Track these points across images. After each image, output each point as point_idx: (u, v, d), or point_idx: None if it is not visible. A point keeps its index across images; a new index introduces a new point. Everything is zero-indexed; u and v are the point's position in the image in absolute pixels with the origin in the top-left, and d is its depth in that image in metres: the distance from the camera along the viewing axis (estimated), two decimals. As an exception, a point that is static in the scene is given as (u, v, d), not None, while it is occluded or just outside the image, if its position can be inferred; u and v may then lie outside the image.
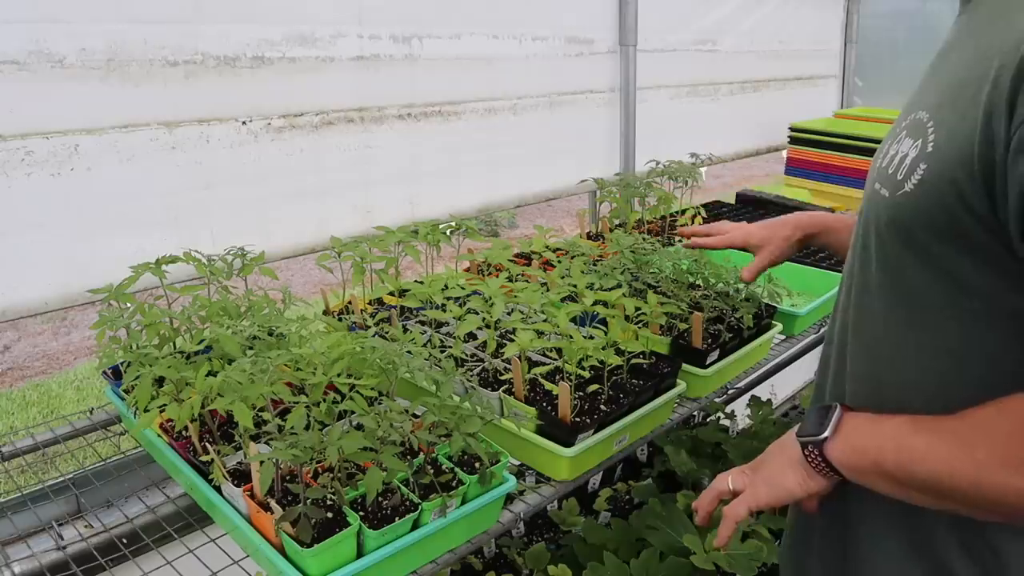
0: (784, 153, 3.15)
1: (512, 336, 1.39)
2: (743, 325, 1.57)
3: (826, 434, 0.86)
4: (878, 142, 3.10)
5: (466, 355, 1.45)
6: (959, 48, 0.83)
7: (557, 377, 1.32)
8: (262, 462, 0.98)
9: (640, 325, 1.47)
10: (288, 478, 1.06)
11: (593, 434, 1.25)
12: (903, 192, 0.79)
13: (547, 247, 1.90)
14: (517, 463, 1.31)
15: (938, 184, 0.74)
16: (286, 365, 1.15)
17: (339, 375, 1.15)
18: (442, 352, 1.32)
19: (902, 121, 0.86)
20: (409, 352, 1.20)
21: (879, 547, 0.93)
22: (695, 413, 2.58)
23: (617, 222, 2.28)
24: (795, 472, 0.91)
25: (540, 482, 1.29)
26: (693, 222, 2.31)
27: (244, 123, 1.74)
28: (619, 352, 1.35)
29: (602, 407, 1.28)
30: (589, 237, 2.20)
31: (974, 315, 0.76)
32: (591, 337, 1.32)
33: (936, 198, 0.75)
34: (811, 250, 2.21)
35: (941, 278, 0.78)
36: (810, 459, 0.88)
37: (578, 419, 1.24)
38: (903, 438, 0.80)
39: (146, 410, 1.15)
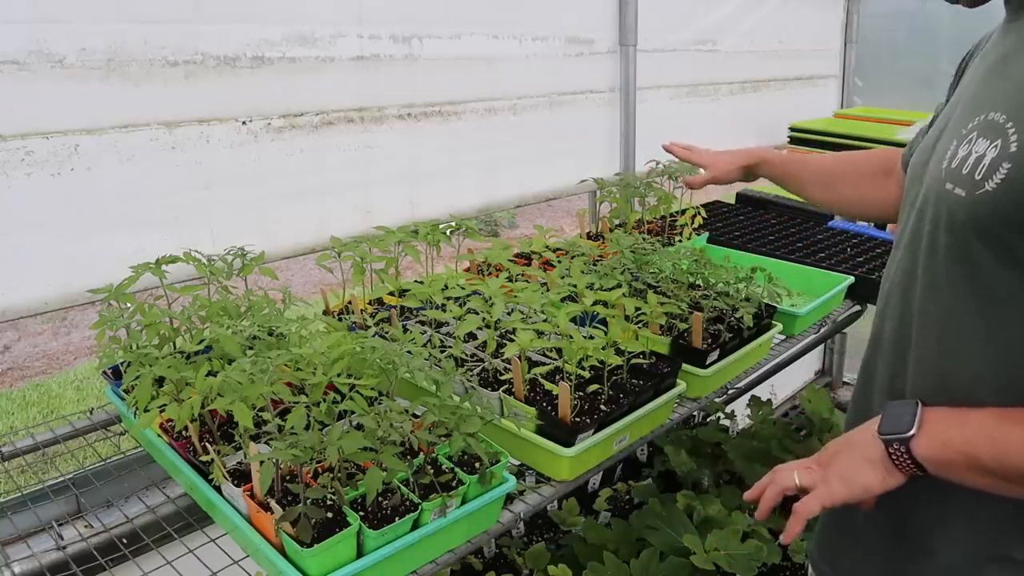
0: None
1: (512, 336, 1.38)
2: (743, 325, 1.57)
3: (912, 431, 0.86)
4: (878, 142, 3.10)
5: (466, 355, 1.45)
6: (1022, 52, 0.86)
7: (557, 377, 1.32)
8: (262, 462, 0.98)
9: (640, 325, 1.47)
10: (288, 478, 1.06)
11: (593, 434, 1.25)
12: (984, 191, 0.82)
13: (547, 247, 1.90)
14: (517, 463, 1.31)
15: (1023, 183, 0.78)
16: (286, 365, 1.15)
17: (339, 375, 1.15)
18: (442, 352, 1.32)
19: (968, 123, 0.88)
20: (409, 352, 1.20)
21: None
22: (695, 413, 2.58)
23: (617, 222, 2.28)
24: (874, 469, 0.91)
25: (540, 482, 1.29)
26: (693, 222, 2.31)
27: (244, 123, 1.74)
28: (619, 352, 1.35)
29: (602, 407, 1.28)
30: (589, 237, 2.19)
31: None
32: (591, 337, 1.32)
33: (1021, 196, 0.78)
34: (812, 250, 2.21)
35: (1020, 273, 0.81)
36: (895, 456, 0.88)
37: (578, 419, 1.24)
38: (994, 429, 0.82)
39: (146, 410, 1.15)
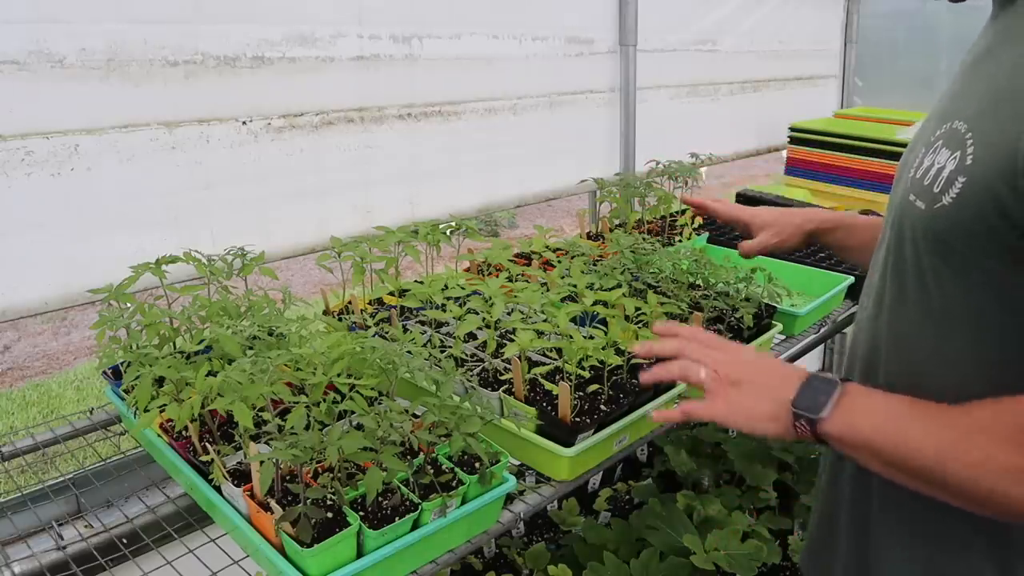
0: (784, 153, 3.15)
1: (512, 336, 1.38)
2: (743, 325, 1.57)
3: (823, 414, 0.84)
4: (878, 142, 3.10)
5: (466, 355, 1.45)
6: (998, 55, 0.81)
7: (557, 377, 1.32)
8: (262, 462, 0.98)
9: (640, 325, 1.47)
10: (288, 478, 1.06)
11: (593, 434, 1.25)
12: (941, 205, 0.79)
13: (547, 247, 1.90)
14: (517, 463, 1.31)
15: (978, 198, 0.74)
16: (286, 365, 1.15)
17: (339, 375, 1.15)
18: (442, 352, 1.32)
19: (936, 129, 0.85)
20: (409, 352, 1.20)
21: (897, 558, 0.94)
22: (695, 413, 2.57)
23: (617, 222, 2.28)
24: (776, 426, 0.89)
25: (540, 482, 1.28)
26: (693, 222, 2.31)
27: (244, 123, 1.74)
28: (619, 352, 1.35)
29: (602, 407, 1.28)
30: (589, 237, 2.19)
31: (1014, 326, 0.77)
32: (591, 337, 1.32)
33: (976, 212, 0.75)
34: (812, 250, 2.21)
35: (979, 290, 0.78)
36: (798, 428, 0.87)
37: (578, 419, 1.24)
38: (901, 423, 0.80)
39: (146, 410, 1.15)
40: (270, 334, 1.33)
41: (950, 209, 0.78)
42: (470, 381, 1.33)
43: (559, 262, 1.72)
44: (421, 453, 1.14)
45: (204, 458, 1.13)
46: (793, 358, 1.81)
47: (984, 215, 0.74)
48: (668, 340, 1.02)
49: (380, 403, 1.15)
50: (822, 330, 1.92)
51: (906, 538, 0.94)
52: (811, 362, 4.16)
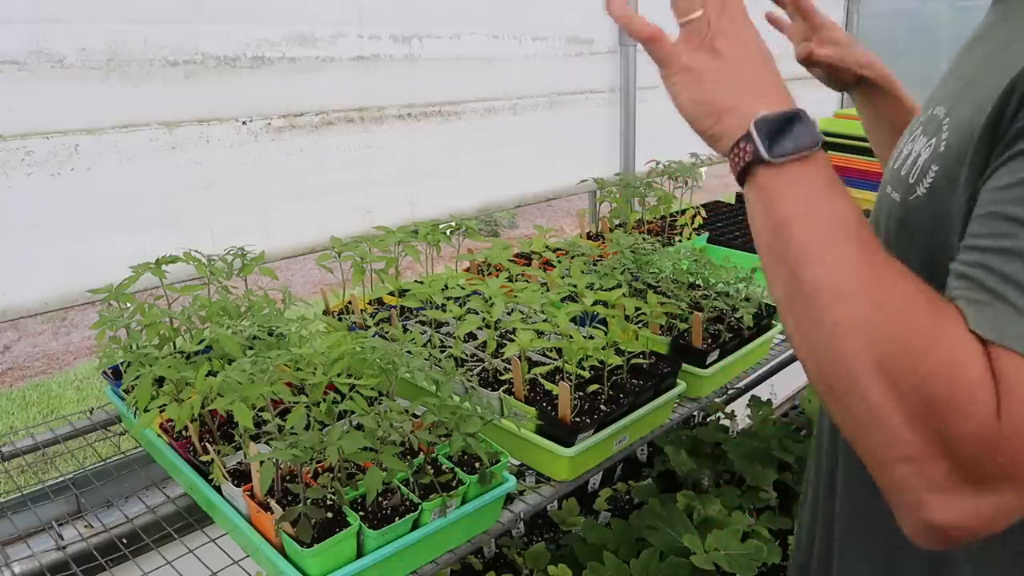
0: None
1: (512, 336, 1.38)
2: (743, 325, 1.57)
3: (771, 157, 0.64)
4: (878, 142, 3.04)
5: (466, 355, 1.45)
6: (988, 36, 0.74)
7: (557, 377, 1.32)
8: (262, 462, 0.98)
9: (640, 325, 1.47)
10: (288, 478, 1.06)
11: (593, 434, 1.25)
12: (915, 196, 0.72)
13: (547, 247, 1.90)
14: (517, 463, 1.31)
15: (947, 187, 0.67)
16: (286, 365, 1.15)
17: (339, 375, 1.15)
18: (442, 352, 1.32)
19: (920, 117, 0.79)
20: (409, 352, 1.20)
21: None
22: (695, 413, 2.58)
23: (617, 222, 2.28)
24: (717, 126, 0.71)
25: (540, 482, 1.29)
26: (693, 221, 2.31)
27: (244, 123, 1.74)
28: (619, 352, 1.35)
29: (602, 407, 1.28)
30: (589, 237, 2.19)
31: None
32: (591, 337, 1.32)
33: (946, 203, 0.67)
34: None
35: (940, 291, 0.68)
36: (736, 151, 0.67)
37: (578, 419, 1.24)
38: (826, 231, 0.63)
39: (146, 410, 1.15)
40: (270, 334, 1.33)
41: (923, 201, 0.71)
42: (470, 381, 1.33)
43: (559, 262, 1.72)
44: (421, 453, 1.14)
45: (204, 458, 1.13)
46: (793, 358, 1.81)
47: (954, 207, 0.66)
48: None
49: (380, 403, 1.15)
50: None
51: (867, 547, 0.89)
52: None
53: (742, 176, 0.67)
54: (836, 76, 1.33)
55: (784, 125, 0.66)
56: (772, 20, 1.38)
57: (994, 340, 0.55)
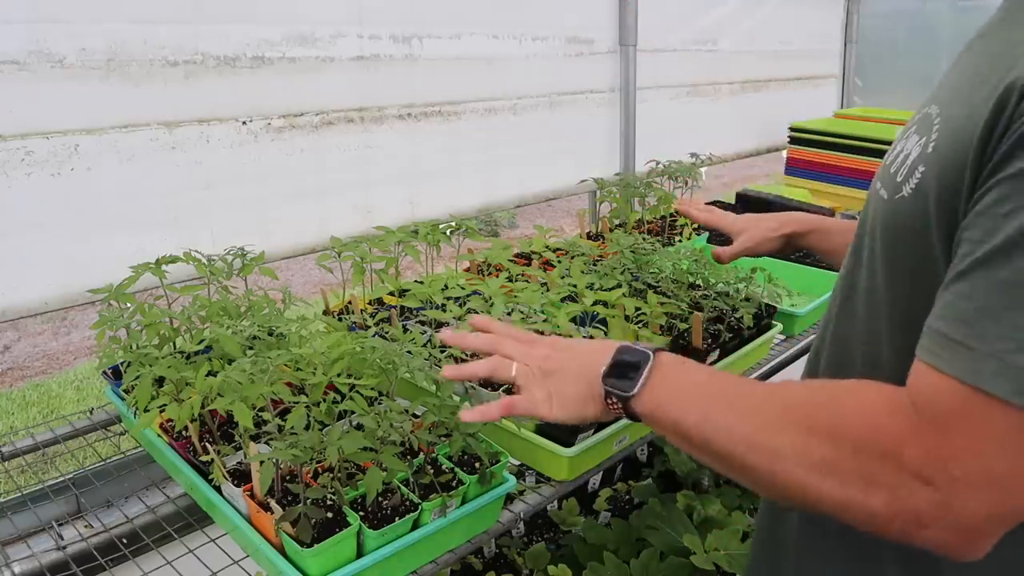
0: (784, 153, 3.15)
1: (512, 336, 1.38)
2: (743, 325, 1.57)
3: (633, 392, 0.79)
4: (878, 142, 3.09)
5: (466, 355, 1.45)
6: (989, 36, 0.75)
7: (557, 377, 1.32)
8: (262, 462, 0.98)
9: (640, 325, 1.47)
10: (288, 478, 1.06)
11: (593, 434, 1.25)
12: (900, 196, 0.73)
13: (547, 247, 1.90)
14: (517, 463, 1.31)
15: (933, 190, 0.68)
16: (286, 365, 1.15)
17: (339, 375, 1.15)
18: (442, 352, 1.32)
19: (916, 114, 0.79)
20: (409, 352, 1.20)
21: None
22: (695, 413, 2.57)
23: (617, 222, 2.28)
24: (594, 406, 0.84)
25: (540, 482, 1.29)
26: (693, 222, 2.30)
27: (244, 123, 1.74)
28: (619, 352, 1.35)
29: (602, 407, 1.28)
30: (589, 237, 2.19)
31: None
32: (591, 337, 1.32)
33: (930, 204, 0.69)
34: (805, 254, 2.21)
35: (925, 290, 0.71)
36: (612, 406, 0.82)
37: (578, 419, 1.24)
38: (709, 404, 0.75)
39: (146, 410, 1.15)
40: (270, 334, 1.33)
41: (908, 200, 0.72)
42: (470, 381, 1.33)
43: (559, 262, 1.72)
44: (421, 453, 1.14)
45: (204, 458, 1.13)
46: (793, 358, 1.81)
47: (938, 209, 0.68)
48: (481, 336, 0.96)
49: (380, 403, 1.15)
50: (822, 330, 1.92)
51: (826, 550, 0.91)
52: (811, 362, 4.15)
53: (632, 418, 0.81)
54: (762, 251, 1.45)
55: (620, 363, 0.82)
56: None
57: (949, 373, 0.61)
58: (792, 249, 1.44)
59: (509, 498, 1.23)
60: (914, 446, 0.62)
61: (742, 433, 0.71)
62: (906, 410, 0.63)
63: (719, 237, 2.31)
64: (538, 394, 0.87)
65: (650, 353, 0.81)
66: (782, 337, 1.81)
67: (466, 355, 1.45)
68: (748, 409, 0.72)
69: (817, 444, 0.66)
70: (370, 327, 1.49)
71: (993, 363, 0.58)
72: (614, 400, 0.81)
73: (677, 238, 2.23)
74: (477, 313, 1.37)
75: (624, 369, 0.81)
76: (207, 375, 1.14)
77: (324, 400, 1.16)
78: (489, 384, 1.12)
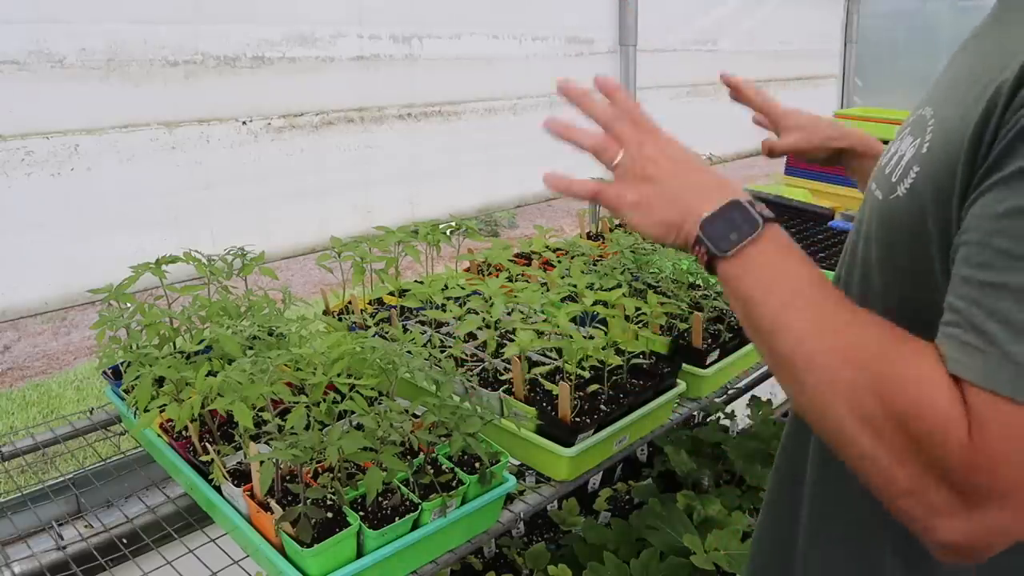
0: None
1: (512, 336, 1.38)
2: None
3: (726, 252, 0.74)
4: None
5: (466, 355, 1.45)
6: (983, 36, 0.75)
7: (557, 377, 1.32)
8: (262, 462, 0.98)
9: (640, 325, 1.47)
10: (288, 478, 1.06)
11: (593, 434, 1.25)
12: (895, 196, 0.74)
13: (547, 247, 1.90)
14: (517, 463, 1.31)
15: (925, 191, 0.69)
16: (286, 365, 1.15)
17: (339, 375, 1.15)
18: (442, 352, 1.32)
19: (911, 116, 0.80)
20: (409, 352, 1.20)
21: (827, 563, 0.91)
22: (695, 413, 2.58)
23: (617, 222, 2.28)
24: (679, 238, 0.79)
25: (540, 482, 1.29)
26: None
27: (244, 123, 1.74)
28: (619, 352, 1.35)
29: (602, 407, 1.28)
30: (589, 237, 2.19)
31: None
32: (591, 337, 1.32)
33: (924, 205, 0.69)
34: (811, 240, 2.21)
35: (919, 290, 0.72)
36: (696, 252, 0.77)
37: (578, 419, 1.24)
38: (792, 302, 0.70)
39: (146, 410, 1.15)
40: (270, 334, 1.33)
41: (902, 201, 0.72)
42: (470, 381, 1.33)
43: (559, 262, 1.72)
44: (421, 453, 1.14)
45: (204, 458, 1.13)
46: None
47: (929, 210, 0.68)
48: (601, 105, 0.90)
49: (380, 403, 1.15)
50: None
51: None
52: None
53: (710, 270, 0.76)
54: (810, 157, 1.34)
55: (727, 218, 0.75)
56: (755, 120, 1.43)
57: (973, 381, 0.60)
58: (838, 163, 1.35)
59: (509, 498, 1.23)
60: (957, 448, 0.60)
61: (808, 349, 0.68)
62: (961, 407, 0.61)
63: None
64: (630, 194, 0.81)
65: (760, 221, 0.74)
66: (782, 337, 1.80)
67: (466, 355, 1.45)
68: (825, 327, 0.68)
69: (870, 396, 0.64)
70: (370, 327, 1.49)
71: (1010, 367, 0.58)
72: (702, 248, 0.75)
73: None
74: (477, 313, 1.37)
75: (729, 225, 0.74)
76: (207, 375, 1.14)
77: (324, 400, 1.16)
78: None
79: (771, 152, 1.36)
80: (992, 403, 0.59)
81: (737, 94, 1.41)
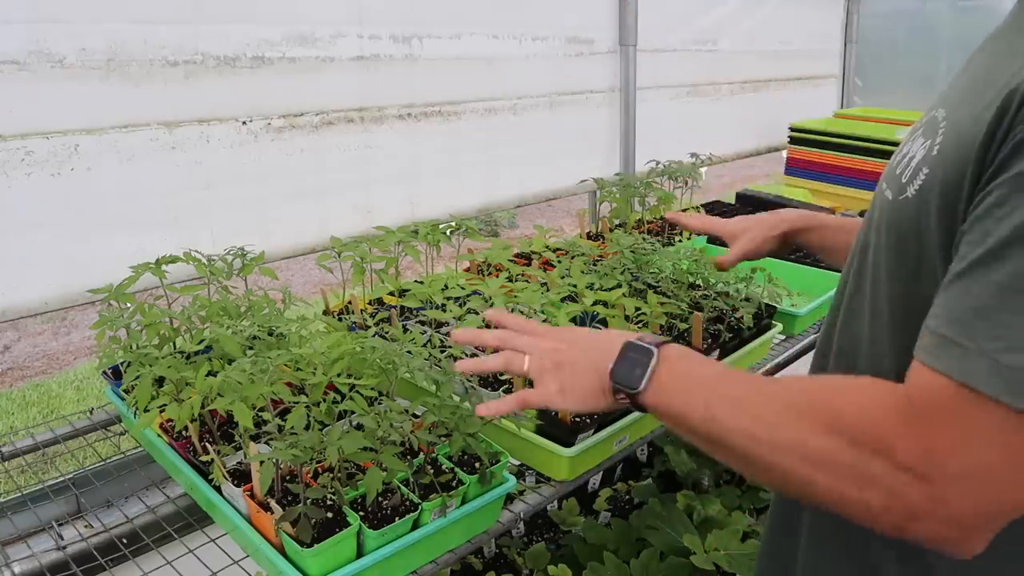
0: (784, 153, 3.15)
1: (512, 336, 1.38)
2: (743, 325, 1.57)
3: (639, 388, 0.82)
4: (878, 142, 3.09)
5: (466, 355, 1.45)
6: (1000, 39, 0.76)
7: (557, 377, 1.32)
8: (262, 462, 0.98)
9: (640, 325, 1.47)
10: (288, 478, 1.06)
11: (593, 434, 1.25)
12: (904, 197, 0.74)
13: (547, 247, 1.90)
14: (517, 463, 1.31)
15: (936, 192, 0.69)
16: (286, 365, 1.15)
17: (339, 375, 1.15)
18: (442, 352, 1.32)
19: (924, 116, 0.80)
20: (409, 352, 1.20)
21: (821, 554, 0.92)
22: (695, 413, 2.57)
23: (617, 222, 2.28)
24: (606, 397, 0.86)
25: (540, 482, 1.29)
26: (693, 222, 2.30)
27: (244, 123, 1.74)
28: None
29: (602, 407, 1.28)
30: (589, 237, 2.19)
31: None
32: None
33: (932, 206, 0.70)
34: (802, 252, 2.21)
35: (925, 291, 0.72)
36: (621, 400, 0.85)
37: (578, 419, 1.24)
38: (714, 399, 0.76)
39: (146, 410, 1.15)
40: (270, 334, 1.33)
41: (911, 202, 0.73)
42: (470, 381, 1.33)
43: (559, 262, 1.72)
44: (421, 453, 1.14)
45: (204, 458, 1.13)
46: (793, 358, 1.81)
47: (939, 212, 0.69)
48: (492, 332, 0.98)
49: (380, 403, 1.15)
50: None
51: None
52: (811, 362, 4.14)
53: (642, 411, 0.84)
54: (765, 252, 1.42)
55: (627, 358, 0.84)
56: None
57: (937, 368, 0.62)
58: (790, 247, 1.41)
59: (509, 498, 1.23)
60: (908, 440, 0.63)
61: (743, 427, 0.73)
62: (903, 405, 0.64)
63: (718, 240, 2.32)
64: (552, 386, 0.89)
65: (654, 349, 0.83)
66: (782, 337, 1.81)
67: (466, 352, 1.45)
68: (750, 403, 0.74)
69: (815, 437, 0.67)
70: (370, 327, 1.49)
71: (985, 362, 0.59)
72: (623, 395, 0.84)
73: (677, 238, 2.23)
74: (477, 313, 1.37)
75: (631, 365, 0.83)
76: (207, 375, 1.14)
77: (324, 400, 1.16)
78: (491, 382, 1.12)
79: (720, 267, 1.48)
80: (957, 392, 0.61)
81: (679, 225, 1.56)
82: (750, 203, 2.87)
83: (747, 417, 0.73)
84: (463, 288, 1.55)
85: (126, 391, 1.24)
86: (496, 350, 0.96)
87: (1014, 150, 0.61)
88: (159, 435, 1.23)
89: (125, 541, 1.23)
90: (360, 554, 1.00)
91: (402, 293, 1.61)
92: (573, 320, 1.40)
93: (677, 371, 0.82)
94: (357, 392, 1.12)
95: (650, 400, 0.82)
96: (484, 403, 0.94)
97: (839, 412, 0.67)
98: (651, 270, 1.74)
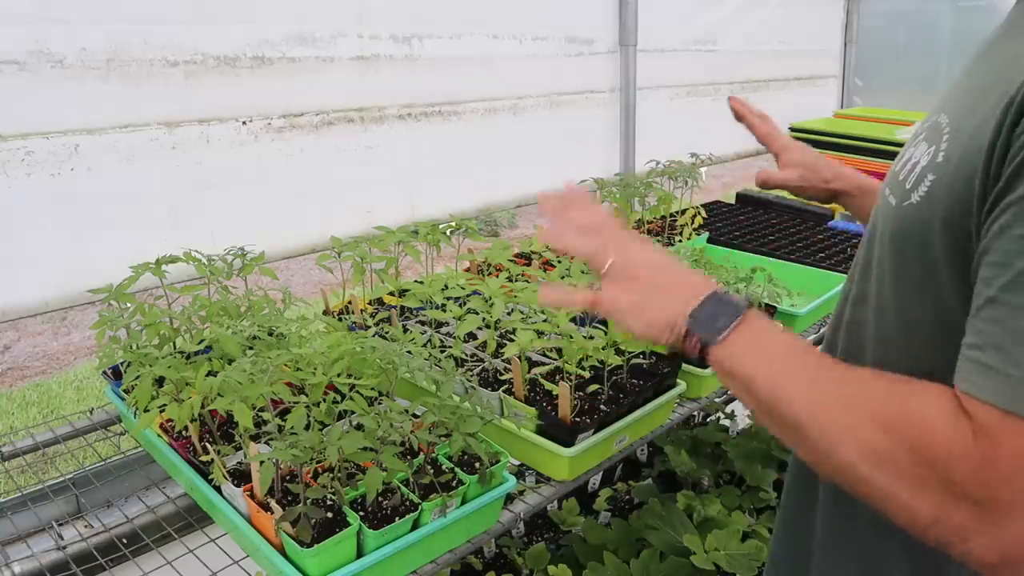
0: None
1: (512, 336, 1.38)
2: (743, 325, 1.57)
3: (717, 340, 0.78)
4: (878, 142, 3.09)
5: (466, 355, 1.45)
6: (1001, 43, 0.76)
7: (557, 377, 1.32)
8: (262, 462, 0.98)
9: (640, 325, 1.46)
10: (288, 478, 1.06)
11: (593, 434, 1.25)
12: (909, 203, 0.74)
13: (547, 247, 1.90)
14: (517, 463, 1.31)
15: (941, 199, 0.70)
16: (286, 365, 1.15)
17: (339, 375, 1.15)
18: (442, 352, 1.32)
19: (924, 123, 0.80)
20: (409, 352, 1.20)
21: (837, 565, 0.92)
22: (695, 413, 2.58)
23: (617, 222, 2.28)
24: (671, 336, 0.82)
25: (540, 482, 1.29)
26: (693, 221, 2.31)
27: (244, 123, 1.74)
28: (619, 352, 1.35)
29: (602, 407, 1.28)
30: (589, 237, 2.19)
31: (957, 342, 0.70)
32: (591, 337, 1.32)
33: (938, 214, 0.70)
34: (812, 249, 2.21)
35: (929, 296, 0.73)
36: (688, 344, 0.81)
37: (578, 419, 1.24)
38: (785, 369, 0.75)
39: (146, 410, 1.15)
40: (270, 334, 1.33)
41: (916, 208, 0.73)
42: (470, 381, 1.33)
43: (559, 262, 1.72)
44: (421, 453, 1.14)
45: (204, 458, 1.13)
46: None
47: (945, 218, 0.69)
48: (586, 214, 0.93)
49: (380, 403, 1.15)
50: (822, 330, 1.92)
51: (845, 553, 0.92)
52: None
53: (702, 360, 0.81)
54: (804, 194, 1.36)
55: (710, 308, 0.80)
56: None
57: (989, 400, 0.61)
58: (833, 202, 1.37)
59: (509, 498, 1.23)
60: (964, 461, 0.62)
61: (808, 407, 0.71)
62: (965, 422, 0.63)
63: (718, 235, 2.31)
64: (622, 299, 0.85)
65: (743, 306, 0.80)
66: (782, 337, 1.80)
67: (466, 354, 1.45)
68: (820, 385, 0.72)
69: (877, 434, 0.66)
70: (370, 327, 1.49)
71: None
72: (695, 341, 0.80)
73: (677, 238, 2.23)
74: (477, 313, 1.37)
75: (714, 314, 0.80)
76: (207, 375, 1.14)
77: (324, 400, 1.16)
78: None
79: (764, 184, 1.38)
80: (1006, 421, 0.60)
81: (741, 120, 1.43)
82: (750, 203, 2.87)
83: (815, 399, 0.71)
84: (463, 288, 1.55)
85: (126, 391, 1.24)
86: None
87: (1017, 169, 0.61)
88: (159, 435, 1.23)
89: (125, 541, 1.23)
90: (360, 554, 1.00)
91: (402, 293, 1.61)
92: (573, 320, 1.40)
93: (757, 334, 0.79)
94: (357, 392, 1.12)
95: (723, 354, 0.78)
96: (546, 287, 0.89)
97: (905, 414, 0.66)
98: (651, 270, 1.73)
